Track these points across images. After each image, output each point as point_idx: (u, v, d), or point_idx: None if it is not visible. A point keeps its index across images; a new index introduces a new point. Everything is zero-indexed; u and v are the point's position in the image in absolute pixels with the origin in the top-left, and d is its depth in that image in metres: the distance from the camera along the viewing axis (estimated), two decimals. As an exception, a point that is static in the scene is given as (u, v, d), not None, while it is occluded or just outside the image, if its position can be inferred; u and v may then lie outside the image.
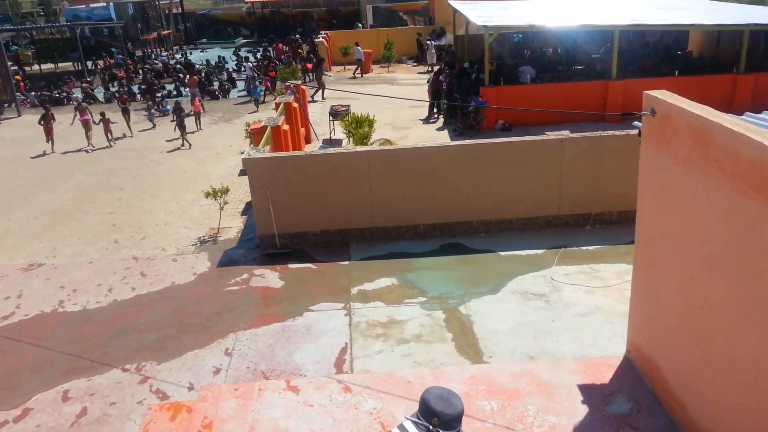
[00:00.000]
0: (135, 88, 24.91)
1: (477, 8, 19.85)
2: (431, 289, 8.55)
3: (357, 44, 27.25)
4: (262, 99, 21.93)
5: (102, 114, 17.47)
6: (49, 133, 17.19)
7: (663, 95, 4.74)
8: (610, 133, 10.06)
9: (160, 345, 7.58)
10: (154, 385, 6.81)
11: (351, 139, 14.18)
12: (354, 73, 26.97)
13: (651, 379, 5.26)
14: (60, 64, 33.75)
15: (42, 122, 17.20)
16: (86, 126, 17.32)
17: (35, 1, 41.45)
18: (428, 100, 18.67)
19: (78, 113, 17.57)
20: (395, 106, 19.23)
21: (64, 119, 19.59)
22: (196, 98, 19.04)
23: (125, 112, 18.90)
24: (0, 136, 19.61)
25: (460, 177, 9.99)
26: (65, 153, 17.19)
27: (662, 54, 21.34)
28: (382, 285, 8.76)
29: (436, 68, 25.40)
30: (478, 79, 18.10)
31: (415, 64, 29.25)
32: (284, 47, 29.44)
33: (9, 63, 24.34)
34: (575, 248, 9.58)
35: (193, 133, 18.09)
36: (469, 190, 10.06)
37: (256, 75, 23.74)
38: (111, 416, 6.35)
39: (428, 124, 18.22)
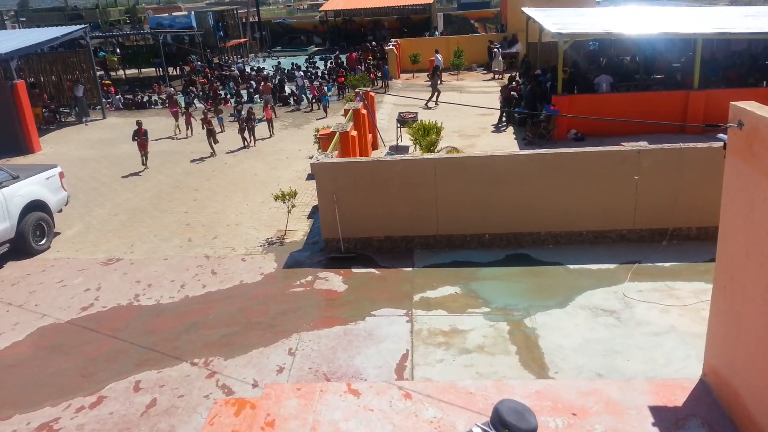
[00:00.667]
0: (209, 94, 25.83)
1: (551, 15, 19.47)
2: (496, 299, 8.40)
3: (437, 51, 27.17)
4: (330, 101, 22.31)
5: (186, 108, 20.26)
6: (143, 148, 16.23)
7: (751, 107, 4.47)
8: (691, 145, 9.59)
9: (227, 341, 7.79)
10: (221, 381, 7.00)
11: (418, 146, 14.17)
12: (431, 79, 26.83)
13: (728, 404, 4.95)
14: (143, 70, 35.54)
15: (136, 138, 16.11)
16: (175, 116, 20.25)
17: (122, 10, 43.83)
18: (496, 108, 18.41)
19: (168, 104, 20.53)
20: (463, 114, 19.15)
21: (148, 122, 20.58)
22: (269, 105, 19.41)
23: (210, 134, 17.89)
24: (86, 136, 20.80)
25: (528, 187, 9.79)
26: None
27: (749, 63, 20.22)
28: (445, 293, 8.67)
29: (501, 76, 25.24)
30: (551, 87, 17.73)
31: (485, 72, 28.98)
32: (357, 56, 29.66)
33: (96, 68, 25.82)
34: (650, 264, 9.17)
35: (263, 139, 18.57)
36: (538, 201, 9.84)
37: (305, 84, 24.27)
38: (179, 408, 6.57)
39: (497, 132, 17.98)
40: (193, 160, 16.94)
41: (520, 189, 9.81)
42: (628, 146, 9.66)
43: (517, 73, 22.02)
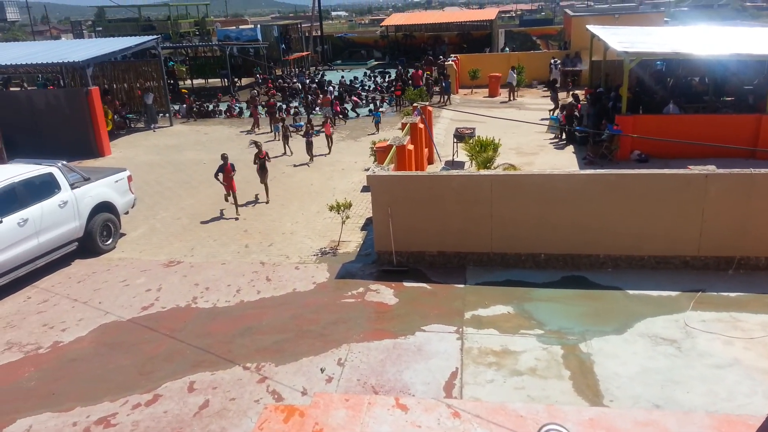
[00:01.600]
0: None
1: (618, 33, 19.06)
2: (550, 322, 8.21)
3: (513, 68, 26.97)
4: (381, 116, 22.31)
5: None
6: (229, 186, 13.41)
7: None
8: (763, 171, 9.16)
9: (278, 347, 7.91)
10: (271, 386, 7.10)
11: (474, 162, 14.09)
12: (509, 97, 26.48)
13: (801, 448, 4.66)
14: (209, 80, 36.77)
15: (219, 176, 13.35)
16: (256, 121, 22.09)
17: (192, 22, 45.52)
18: (552, 125, 18.11)
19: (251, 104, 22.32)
20: (522, 131, 18.93)
21: (212, 130, 21.32)
22: (328, 122, 19.35)
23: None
24: (153, 142, 21.67)
25: (588, 207, 9.56)
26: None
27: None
28: (498, 312, 8.55)
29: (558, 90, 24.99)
30: (615, 106, 17.32)
31: (546, 89, 28.59)
32: (422, 71, 29.53)
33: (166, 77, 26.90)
34: (714, 293, 8.78)
35: (322, 155, 18.41)
36: (598, 222, 9.60)
37: (342, 98, 24.53)
38: (230, 411, 6.71)
39: (556, 150, 17.68)
40: (253, 169, 17.32)
41: (579, 209, 9.59)
42: (695, 169, 9.32)
43: (595, 89, 21.46)
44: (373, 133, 21.09)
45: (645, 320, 8.13)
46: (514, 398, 6.58)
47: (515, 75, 26.69)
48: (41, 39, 67.63)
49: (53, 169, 11.12)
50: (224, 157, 13.24)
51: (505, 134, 17.15)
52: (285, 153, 18.93)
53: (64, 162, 11.74)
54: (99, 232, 11.54)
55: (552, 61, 28.85)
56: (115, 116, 23.02)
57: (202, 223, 13.14)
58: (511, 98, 26.40)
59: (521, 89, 28.16)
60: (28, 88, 31.08)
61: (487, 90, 28.15)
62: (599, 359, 7.29)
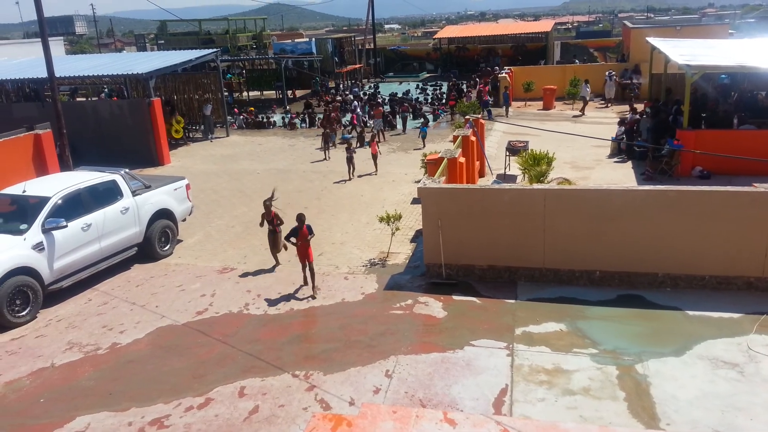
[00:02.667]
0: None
1: (679, 46, 18.51)
2: (604, 341, 7.97)
3: (587, 82, 26.49)
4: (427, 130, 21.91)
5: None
6: (304, 255, 10.17)
7: None
8: (837, 189, 8.68)
9: (327, 356, 7.96)
10: (319, 395, 7.15)
11: (527, 176, 13.89)
12: (581, 111, 25.85)
13: None
14: (265, 92, 37.67)
15: (293, 238, 10.23)
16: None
17: (250, 35, 46.80)
18: (609, 139, 17.65)
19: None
20: (577, 145, 18.57)
21: (266, 141, 21.77)
22: (375, 139, 18.55)
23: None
24: (211, 152, 22.31)
25: (646, 224, 9.27)
26: (266, 169, 19.00)
27: None
28: (550, 329, 8.36)
29: (610, 104, 24.46)
30: (675, 120, 16.79)
31: (603, 101, 28.01)
32: (488, 87, 29.02)
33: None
34: (781, 317, 8.34)
35: (368, 175, 17.60)
36: (656, 240, 9.29)
37: (362, 113, 24.48)
38: (279, 417, 6.78)
39: (614, 164, 17.24)
40: (305, 179, 17.63)
41: (637, 226, 9.31)
42: (761, 187, 8.91)
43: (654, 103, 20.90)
44: (420, 148, 20.77)
45: (705, 342, 7.79)
46: (566, 418, 6.40)
47: (588, 89, 25.99)
48: (106, 51, 70.93)
49: (116, 176, 11.58)
50: (300, 219, 10.06)
51: (559, 148, 16.86)
52: (325, 158, 19.76)
53: (127, 170, 12.21)
54: (158, 238, 11.93)
55: (607, 73, 28.25)
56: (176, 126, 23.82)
57: (255, 231, 13.39)
58: (584, 112, 25.58)
59: (576, 102, 27.66)
60: (93, 99, 32.54)
61: (541, 103, 27.78)
62: (656, 381, 7.03)
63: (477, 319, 8.85)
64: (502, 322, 8.65)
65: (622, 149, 17.65)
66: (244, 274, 11.00)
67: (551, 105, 27.32)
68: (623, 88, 28.02)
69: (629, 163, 17.12)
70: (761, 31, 41.07)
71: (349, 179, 17.23)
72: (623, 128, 18.49)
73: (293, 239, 10.10)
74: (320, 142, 21.05)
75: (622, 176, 16.03)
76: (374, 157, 17.79)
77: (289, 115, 27.15)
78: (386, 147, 21.35)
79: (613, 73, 28.20)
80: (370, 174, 17.63)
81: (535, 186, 10.79)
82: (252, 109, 28.03)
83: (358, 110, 25.57)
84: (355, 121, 23.90)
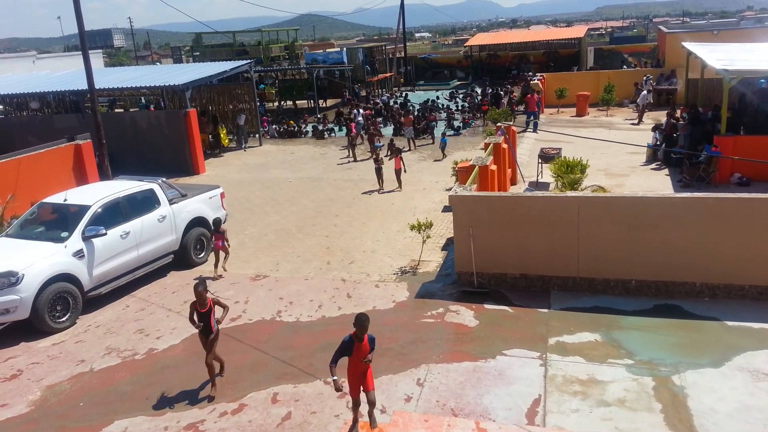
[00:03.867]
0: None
1: (716, 50, 18.13)
2: (640, 351, 7.82)
3: (649, 90, 25.78)
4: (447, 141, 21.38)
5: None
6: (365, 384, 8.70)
7: None
8: None
9: (358, 365, 7.98)
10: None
11: (560, 183, 13.74)
12: (639, 119, 24.92)
13: None
14: (297, 102, 38.10)
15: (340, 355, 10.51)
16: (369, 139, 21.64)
17: (282, 46, 47.45)
18: (644, 145, 17.34)
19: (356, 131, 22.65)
20: (612, 152, 18.32)
21: (298, 150, 22.02)
22: (397, 156, 17.14)
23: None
24: (244, 161, 22.67)
25: (683, 233, 9.07)
26: (300, 178, 19.21)
27: None
28: (584, 339, 8.24)
29: (643, 111, 23.96)
30: (713, 126, 16.43)
31: (637, 108, 27.55)
32: (537, 95, 27.97)
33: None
34: (827, 329, 8.06)
35: (391, 191, 16.80)
36: (694, 249, 9.08)
37: (363, 123, 24.52)
38: (311, 424, 6.83)
39: (650, 171, 16.93)
40: (336, 188, 17.76)
41: (674, 235, 9.12)
42: (805, 194, 8.65)
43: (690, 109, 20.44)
44: (439, 159, 20.32)
45: (745, 354, 7.58)
46: (601, 429, 6.30)
47: (648, 95, 25.18)
48: (143, 63, 72.78)
49: (154, 185, 11.86)
50: (361, 323, 6.49)
51: (593, 155, 16.66)
52: (349, 157, 21.14)
53: (164, 179, 12.49)
54: (193, 245, 12.17)
55: (644, 78, 27.81)
56: (210, 136, 24.30)
57: (287, 239, 13.56)
58: (641, 120, 24.50)
59: (611, 108, 27.30)
60: (131, 110, 33.37)
61: (574, 109, 27.48)
62: (694, 393, 6.86)
63: (509, 328, 8.77)
64: (535, 332, 8.56)
65: (657, 156, 17.31)
66: (277, 282, 11.12)
67: (585, 111, 27.02)
68: (658, 94, 27.53)
69: (665, 170, 16.79)
70: (803, 34, 39.87)
71: (380, 189, 17.09)
72: (658, 134, 18.14)
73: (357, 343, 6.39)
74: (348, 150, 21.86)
75: (658, 183, 15.73)
76: (397, 173, 16.94)
77: (321, 125, 27.29)
78: (417, 155, 21.38)
79: (650, 77, 27.74)
80: (393, 191, 16.81)
81: (569, 193, 10.67)
82: (291, 122, 28.35)
83: (359, 118, 25.38)
84: (354, 131, 24.01)
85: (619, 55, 39.87)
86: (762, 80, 20.46)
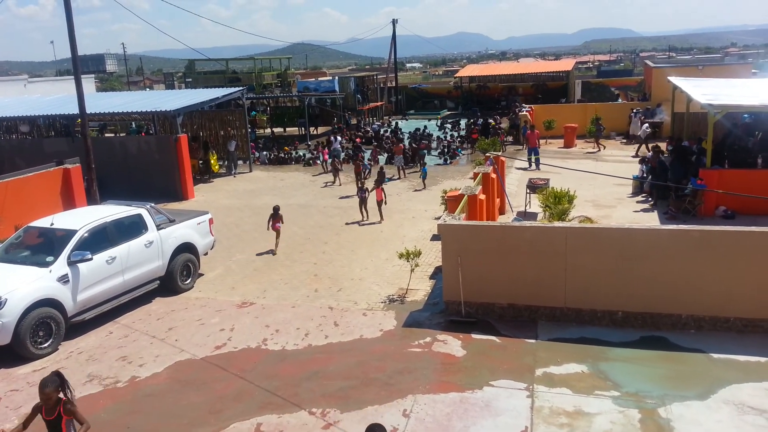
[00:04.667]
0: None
1: (701, 85, 18.53)
2: (627, 383, 7.80)
3: (634, 114, 26.32)
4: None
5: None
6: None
7: None
8: None
9: (344, 394, 7.90)
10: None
11: (548, 213, 13.84)
12: (637, 152, 24.32)
13: None
14: (288, 129, 38.32)
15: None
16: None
17: (275, 74, 47.91)
18: (632, 177, 17.52)
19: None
20: (599, 184, 18.50)
21: (288, 176, 22.05)
22: (379, 187, 16.77)
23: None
24: (234, 187, 22.66)
25: (669, 264, 9.14)
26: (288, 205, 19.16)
27: None
28: (571, 371, 8.22)
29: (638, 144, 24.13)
30: (699, 159, 16.69)
31: (625, 140, 27.97)
32: (538, 132, 27.07)
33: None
34: (811, 362, 8.10)
35: (373, 223, 16.47)
36: (680, 280, 9.14)
37: (342, 150, 24.92)
38: (294, 456, 6.70)
39: (636, 203, 17.09)
40: (325, 215, 17.77)
41: (660, 266, 9.18)
42: (788, 228, 8.77)
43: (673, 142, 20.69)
44: (420, 189, 20.41)
45: (731, 386, 7.58)
46: (587, 463, 6.24)
47: (647, 129, 25.13)
48: (135, 89, 73.00)
49: (142, 210, 11.81)
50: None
51: (581, 186, 16.82)
52: (335, 182, 21.70)
53: (152, 204, 12.45)
54: (180, 271, 12.06)
55: (632, 111, 28.30)
56: (200, 162, 24.31)
57: (275, 266, 13.50)
58: (638, 153, 23.91)
59: (599, 140, 27.64)
60: (122, 135, 33.37)
61: (562, 141, 27.82)
62: (680, 426, 6.84)
63: (497, 358, 8.74)
64: (523, 363, 8.53)
65: (644, 188, 17.51)
66: (264, 309, 11.04)
67: (572, 143, 27.36)
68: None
69: (652, 202, 16.97)
70: (785, 71, 40.83)
71: (363, 220, 16.74)
72: (644, 166, 18.39)
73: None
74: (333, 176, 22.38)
75: (645, 215, 15.89)
76: (379, 204, 16.59)
77: (314, 152, 27.36)
78: (406, 183, 21.50)
79: (639, 110, 28.22)
80: (374, 223, 16.46)
81: (557, 224, 10.76)
82: (286, 148, 28.52)
83: (336, 145, 25.65)
84: (326, 157, 24.50)
85: (607, 88, 40.60)
86: (746, 115, 20.91)
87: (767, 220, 10.16)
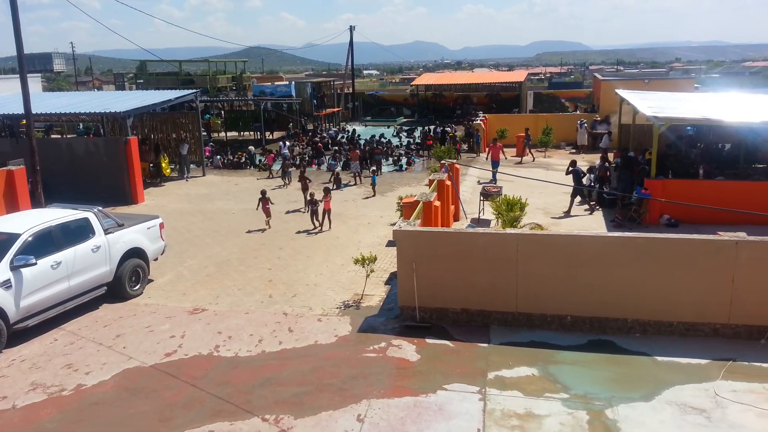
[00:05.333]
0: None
1: (647, 98, 19.26)
2: (575, 386, 8.02)
3: (609, 133, 26.72)
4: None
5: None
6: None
7: None
8: (796, 238, 9.00)
9: (298, 400, 7.85)
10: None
11: (500, 220, 14.11)
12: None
13: None
14: (243, 133, 37.86)
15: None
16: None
17: (230, 77, 47.25)
18: (577, 185, 17.93)
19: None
20: (549, 192, 18.96)
21: (242, 181, 21.75)
22: (327, 196, 16.68)
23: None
24: (186, 191, 22.23)
25: (615, 271, 9.46)
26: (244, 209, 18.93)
27: None
28: (522, 374, 8.39)
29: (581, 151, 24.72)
30: (643, 170, 17.32)
31: (574, 150, 28.79)
32: (501, 145, 26.51)
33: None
34: (746, 363, 8.50)
35: (320, 232, 16.29)
36: (625, 286, 9.47)
37: (290, 157, 25.36)
38: (246, 463, 6.61)
39: (584, 212, 17.61)
40: (281, 220, 17.62)
41: (606, 272, 9.49)
42: (726, 236, 9.20)
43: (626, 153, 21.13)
44: (370, 196, 20.30)
45: (673, 388, 7.89)
46: (537, 464, 6.38)
47: (609, 139, 25.92)
48: (84, 89, 70.84)
49: (89, 214, 11.46)
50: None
51: (532, 194, 17.22)
52: (284, 184, 22.47)
53: (100, 207, 12.10)
54: (128, 277, 11.75)
55: (579, 122, 29.15)
56: (150, 165, 23.75)
57: (228, 271, 13.30)
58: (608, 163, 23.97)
59: (549, 150, 28.37)
60: (68, 136, 32.30)
61: (514, 150, 28.41)
62: (626, 426, 7.07)
63: (450, 363, 8.84)
64: (475, 366, 8.66)
65: (592, 196, 18.05)
66: (216, 315, 10.86)
67: (524, 152, 27.96)
68: (593, 138, 28.86)
69: (599, 211, 17.52)
70: (725, 86, 42.92)
71: (314, 228, 16.52)
72: (593, 176, 18.97)
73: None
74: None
75: (593, 223, 16.38)
76: (327, 213, 16.51)
77: (264, 158, 27.11)
78: (362, 190, 21.54)
79: (585, 121, 29.12)
80: (323, 231, 16.31)
81: (509, 231, 10.98)
82: (240, 153, 28.13)
83: (284, 150, 26.21)
84: (271, 162, 25.16)
85: (557, 99, 41.75)
86: (689, 127, 21.84)
87: (709, 228, 10.60)
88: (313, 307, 11.16)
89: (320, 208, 16.62)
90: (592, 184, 18.51)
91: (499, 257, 9.86)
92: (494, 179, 21.75)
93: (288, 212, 18.59)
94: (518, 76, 49.58)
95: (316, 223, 16.64)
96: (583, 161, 25.37)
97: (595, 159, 22.54)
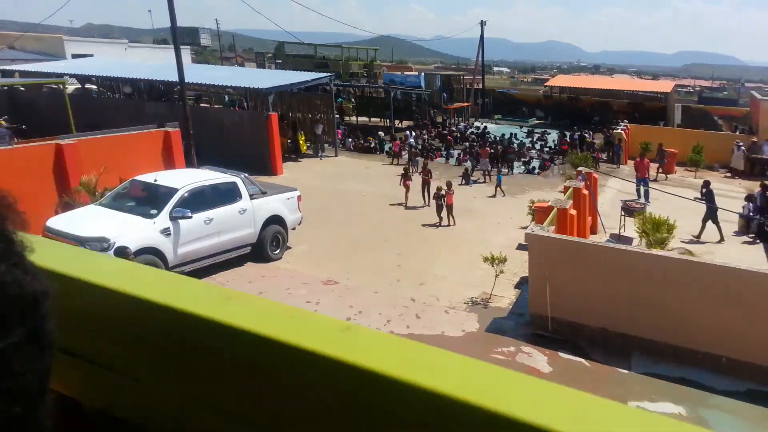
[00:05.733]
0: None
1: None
2: (729, 434, 7.27)
3: (736, 146, 24.94)
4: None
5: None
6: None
7: None
8: None
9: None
10: None
11: (645, 240, 13.16)
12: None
13: None
14: (372, 119, 38.46)
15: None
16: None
17: (362, 64, 48.15)
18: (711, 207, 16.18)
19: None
20: (700, 216, 17.47)
21: (372, 165, 22.09)
22: (450, 191, 16.22)
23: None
24: (320, 169, 22.93)
25: (786, 312, 8.45)
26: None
27: None
28: (667, 411, 7.74)
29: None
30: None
31: (729, 174, 26.27)
32: (648, 161, 22.79)
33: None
34: None
35: (444, 226, 16.02)
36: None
37: (415, 146, 24.74)
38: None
39: (741, 243, 15.96)
40: (413, 210, 17.65)
41: (774, 313, 8.50)
42: None
43: None
44: (492, 195, 19.90)
45: None
46: None
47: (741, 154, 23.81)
48: (228, 64, 75.19)
49: (237, 179, 12.09)
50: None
51: (679, 216, 15.90)
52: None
53: (246, 174, 12.71)
54: (270, 241, 12.35)
55: (735, 143, 26.68)
56: (289, 141, 24.73)
57: (360, 250, 13.53)
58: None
59: (700, 170, 26.14)
60: (216, 106, 34.45)
61: (655, 166, 26.50)
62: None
63: (585, 383, 8.37)
64: (614, 392, 8.12)
65: (751, 228, 16.35)
66: (347, 289, 11.10)
67: (672, 170, 25.87)
68: (752, 163, 26.24)
69: (760, 245, 15.77)
70: None
71: (439, 223, 16.17)
72: (752, 205, 17.21)
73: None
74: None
75: (752, 257, 14.73)
76: (449, 208, 16.13)
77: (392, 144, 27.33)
78: (491, 188, 21.07)
79: (742, 144, 26.56)
80: (449, 225, 16.04)
81: (657, 252, 10.20)
82: (370, 138, 28.72)
83: (410, 140, 26.37)
84: (396, 149, 24.93)
85: (709, 116, 38.49)
86: None
87: None
88: (440, 298, 11.06)
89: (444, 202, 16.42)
90: (751, 214, 16.79)
91: (645, 280, 9.13)
92: (638, 196, 20.15)
93: (407, 208, 18.59)
94: (664, 86, 46.32)
95: (442, 218, 16.40)
96: (741, 187, 23.29)
97: (754, 186, 20.48)
